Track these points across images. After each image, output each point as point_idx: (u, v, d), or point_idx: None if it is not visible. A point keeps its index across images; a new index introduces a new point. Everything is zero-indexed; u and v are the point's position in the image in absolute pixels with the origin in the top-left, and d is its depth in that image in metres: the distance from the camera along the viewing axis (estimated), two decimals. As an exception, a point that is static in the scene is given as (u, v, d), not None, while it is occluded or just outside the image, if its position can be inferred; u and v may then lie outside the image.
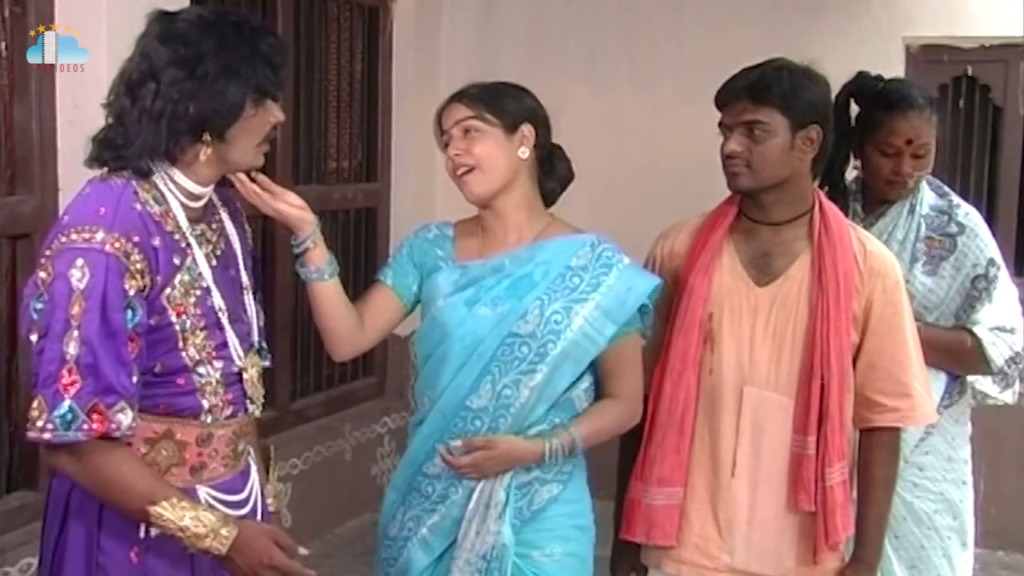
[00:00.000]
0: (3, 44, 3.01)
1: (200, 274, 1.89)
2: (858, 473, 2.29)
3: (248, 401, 1.98)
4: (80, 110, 2.97)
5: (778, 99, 2.17)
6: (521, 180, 2.23)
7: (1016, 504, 4.39)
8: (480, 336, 2.17)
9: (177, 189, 1.87)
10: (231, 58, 1.81)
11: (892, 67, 3.96)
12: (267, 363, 2.05)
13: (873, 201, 2.73)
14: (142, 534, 1.84)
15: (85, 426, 1.71)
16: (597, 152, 4.60)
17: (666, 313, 2.31)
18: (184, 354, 1.85)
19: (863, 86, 2.73)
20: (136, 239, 1.77)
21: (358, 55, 4.70)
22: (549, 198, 2.30)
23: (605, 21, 4.83)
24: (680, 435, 2.25)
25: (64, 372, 1.70)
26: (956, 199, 2.75)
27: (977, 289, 2.64)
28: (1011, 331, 2.64)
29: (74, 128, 2.99)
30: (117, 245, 1.74)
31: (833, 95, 2.37)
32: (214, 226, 1.97)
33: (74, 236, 1.74)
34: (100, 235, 1.74)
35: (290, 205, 2.07)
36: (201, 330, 1.87)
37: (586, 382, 2.23)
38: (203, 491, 1.90)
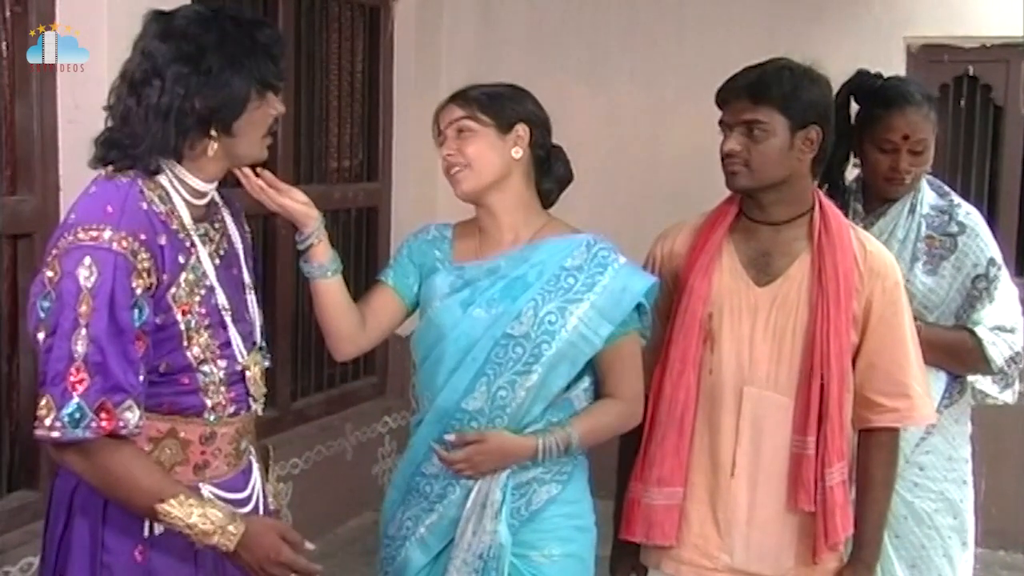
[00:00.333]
0: (3, 44, 3.01)
1: (204, 273, 1.89)
2: (857, 473, 2.29)
3: (251, 399, 1.99)
4: (81, 110, 2.97)
5: (778, 99, 2.17)
6: (515, 180, 2.23)
7: (1017, 504, 4.39)
8: (474, 338, 2.17)
9: (182, 187, 1.88)
10: (233, 51, 1.82)
11: (893, 67, 3.95)
12: (267, 363, 2.06)
13: (874, 200, 2.73)
14: (146, 532, 1.84)
15: (93, 424, 1.71)
16: (597, 152, 4.61)
17: (666, 313, 2.31)
18: (188, 353, 1.85)
19: (862, 84, 2.73)
20: (143, 238, 1.77)
21: (359, 54, 4.70)
22: (547, 199, 2.30)
23: (605, 21, 4.83)
24: (680, 435, 2.25)
25: (72, 370, 1.71)
26: (957, 199, 2.75)
27: (977, 289, 2.64)
28: (1011, 331, 2.64)
29: (75, 128, 3.00)
30: (124, 244, 1.75)
31: (834, 94, 2.37)
32: (217, 225, 1.98)
33: (81, 235, 1.74)
34: (108, 233, 1.74)
35: (295, 201, 2.09)
36: (205, 329, 1.88)
37: (585, 382, 2.23)
38: (206, 489, 1.90)
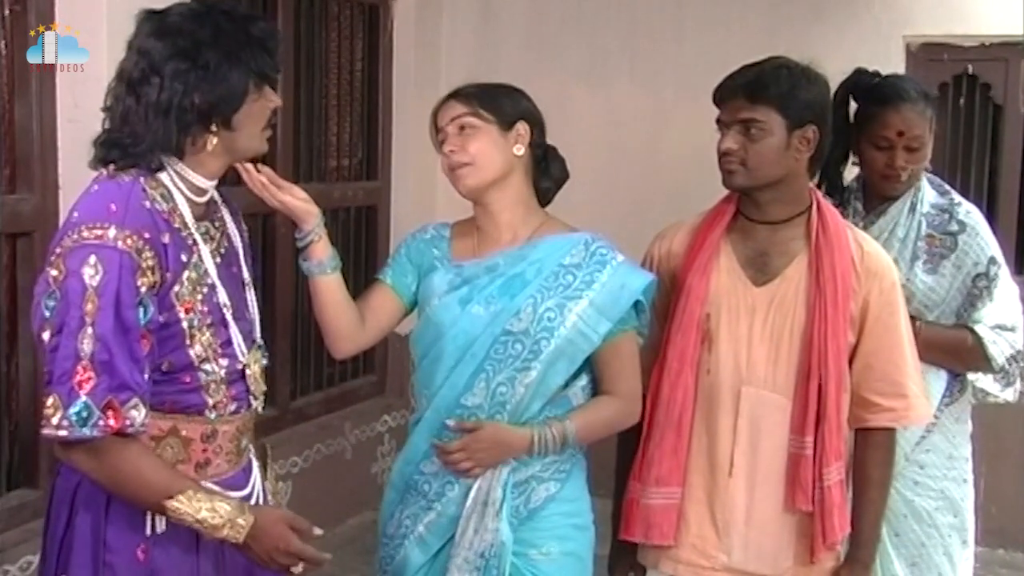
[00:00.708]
0: (3, 43, 3.01)
1: (206, 271, 1.90)
2: (854, 473, 2.29)
3: (251, 397, 1.99)
4: (80, 109, 2.97)
5: (775, 98, 2.17)
6: (515, 178, 2.23)
7: (1016, 502, 4.39)
8: (473, 335, 2.18)
9: (184, 185, 1.88)
10: (229, 45, 1.83)
11: (892, 65, 3.95)
12: (265, 361, 2.06)
13: (874, 199, 2.73)
14: (148, 531, 1.85)
15: (101, 423, 1.72)
16: (597, 152, 4.61)
17: (664, 313, 2.31)
18: (191, 351, 1.86)
19: (860, 83, 2.73)
20: (147, 236, 1.78)
21: (358, 53, 4.70)
22: (544, 197, 2.31)
23: (605, 21, 4.82)
24: (678, 435, 2.25)
25: (79, 369, 1.71)
26: (957, 197, 2.74)
27: (978, 287, 2.64)
28: (1012, 329, 2.64)
29: (74, 127, 3.00)
30: (129, 242, 1.75)
31: (833, 93, 2.37)
32: (217, 224, 1.98)
33: (86, 233, 1.75)
34: (112, 232, 1.74)
35: (295, 198, 2.10)
36: (207, 327, 1.88)
37: (583, 380, 2.24)
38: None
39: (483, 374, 2.17)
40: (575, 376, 2.22)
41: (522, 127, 2.22)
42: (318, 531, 1.91)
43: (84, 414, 1.71)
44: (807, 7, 4.50)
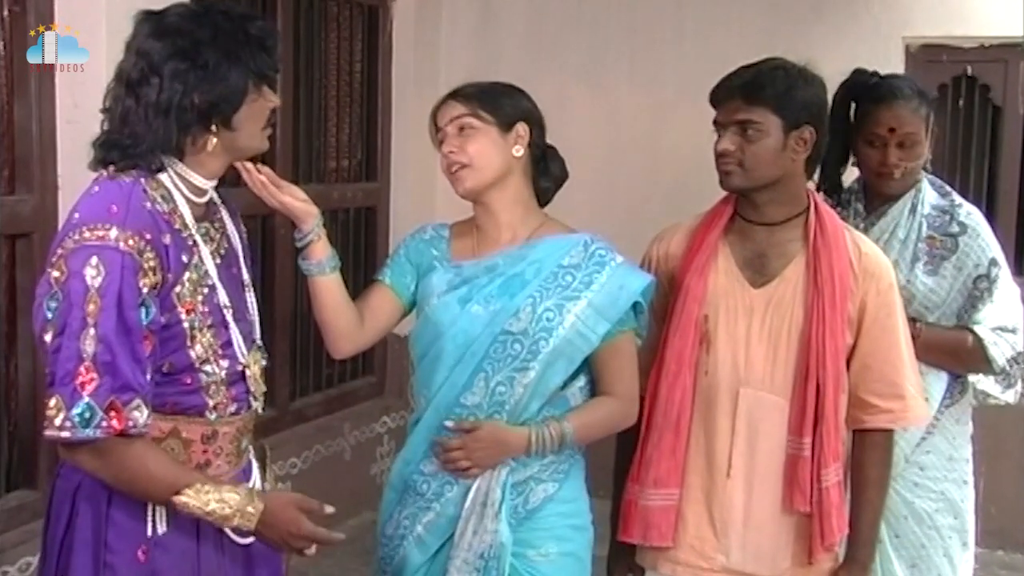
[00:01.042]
0: (2, 44, 3.01)
1: (206, 272, 1.90)
2: (851, 474, 2.29)
3: (251, 398, 1.99)
4: (80, 109, 2.97)
5: (771, 99, 2.17)
6: (514, 178, 2.23)
7: (1016, 504, 4.39)
8: (473, 334, 2.18)
9: (184, 185, 1.88)
10: (228, 44, 1.83)
11: (892, 67, 3.95)
12: (264, 362, 2.06)
13: (875, 200, 2.73)
14: (149, 532, 1.85)
15: (104, 424, 1.72)
16: (597, 152, 4.61)
17: (662, 314, 2.32)
18: (192, 352, 1.86)
19: (858, 83, 2.73)
20: (148, 237, 1.78)
21: (358, 54, 4.70)
22: (543, 197, 2.31)
23: (605, 21, 4.82)
24: (676, 436, 2.25)
25: (81, 370, 1.71)
26: (958, 198, 2.73)
27: (979, 289, 2.63)
28: (1013, 331, 2.63)
29: (74, 127, 3.00)
30: (131, 243, 1.75)
31: (832, 94, 2.36)
32: (216, 224, 1.99)
33: (87, 234, 1.75)
34: (114, 233, 1.74)
35: (295, 198, 2.10)
36: (208, 328, 1.88)
37: (582, 380, 2.24)
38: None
39: (482, 373, 2.17)
40: (574, 376, 2.22)
41: (521, 128, 2.22)
42: (329, 509, 1.92)
43: (87, 415, 1.71)
44: (807, 8, 4.50)
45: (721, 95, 2.24)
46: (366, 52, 4.73)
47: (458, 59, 4.81)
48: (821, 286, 2.19)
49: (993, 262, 2.64)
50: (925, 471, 2.66)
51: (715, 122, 2.25)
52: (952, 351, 2.62)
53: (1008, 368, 2.63)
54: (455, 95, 2.24)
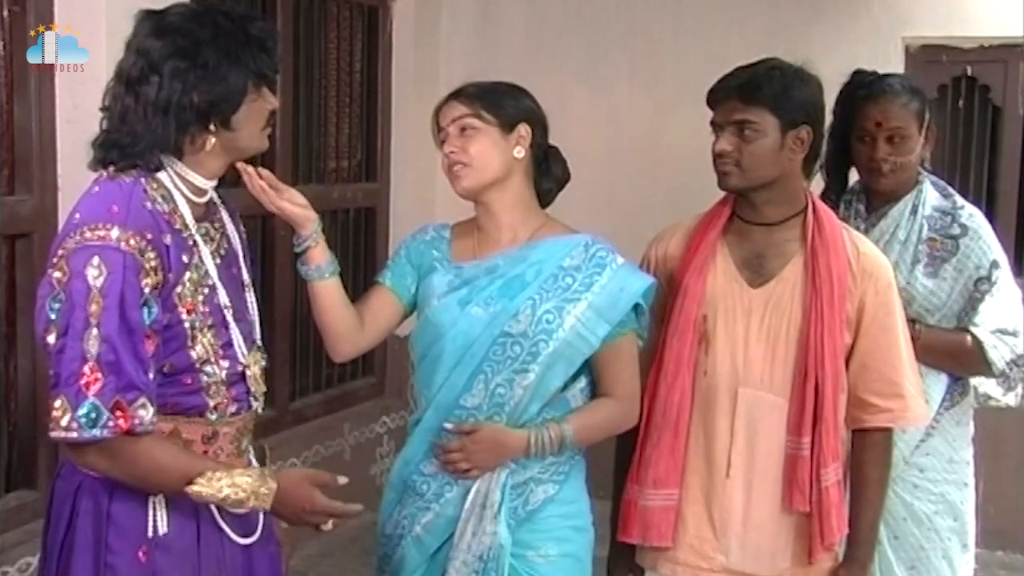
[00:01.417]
0: (2, 44, 3.01)
1: (207, 272, 1.90)
2: (851, 473, 2.30)
3: (252, 398, 1.99)
4: (80, 109, 2.97)
5: (768, 99, 2.17)
6: (515, 179, 2.23)
7: (1016, 504, 4.39)
8: (472, 336, 2.18)
9: (184, 185, 1.88)
10: (228, 44, 1.83)
11: (891, 67, 3.95)
12: (264, 362, 2.06)
13: (876, 201, 2.73)
14: (150, 532, 1.85)
15: (111, 423, 1.72)
16: (596, 152, 4.61)
17: (660, 315, 2.32)
18: (192, 352, 1.86)
19: (858, 83, 2.73)
20: (149, 237, 1.78)
21: (358, 54, 4.70)
22: (545, 198, 2.31)
23: (605, 21, 4.83)
24: (675, 437, 2.25)
25: (86, 370, 1.71)
26: (960, 200, 2.72)
27: (980, 291, 2.62)
28: (1013, 334, 2.61)
29: (73, 127, 3.00)
30: (132, 243, 1.75)
31: (834, 95, 2.36)
32: (216, 225, 1.99)
33: (88, 234, 1.75)
34: (115, 233, 1.75)
35: (294, 204, 2.09)
36: (209, 328, 1.89)
37: (582, 382, 2.23)
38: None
39: (482, 375, 2.17)
40: (574, 378, 2.22)
41: (523, 129, 2.21)
42: (342, 480, 1.92)
43: (93, 415, 1.71)
44: (807, 8, 4.50)
45: (718, 96, 2.24)
46: (366, 52, 4.73)
47: (458, 59, 4.81)
48: (819, 286, 2.19)
49: (994, 264, 2.63)
50: (924, 473, 2.65)
51: (712, 123, 2.25)
52: (951, 353, 2.61)
53: (1008, 371, 2.62)
54: (458, 95, 2.24)
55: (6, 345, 3.11)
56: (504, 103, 2.21)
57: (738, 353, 2.24)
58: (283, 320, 4.24)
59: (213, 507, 1.90)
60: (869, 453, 2.28)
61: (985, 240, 2.65)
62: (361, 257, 4.71)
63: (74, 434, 1.72)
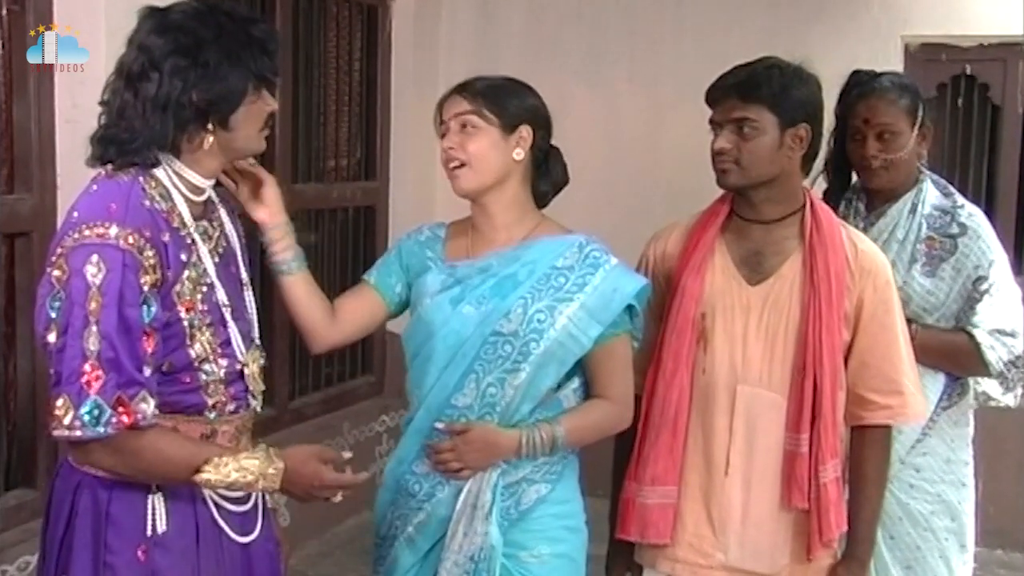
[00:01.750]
0: (2, 44, 3.01)
1: (205, 270, 1.90)
2: (850, 470, 2.30)
3: (250, 397, 2.00)
4: (79, 109, 2.97)
5: (767, 97, 2.18)
6: (513, 180, 2.22)
7: (1015, 503, 4.39)
8: (464, 335, 2.17)
9: (182, 183, 1.88)
10: (230, 45, 1.83)
11: (891, 66, 3.94)
12: (263, 361, 2.06)
13: (875, 200, 2.72)
14: (149, 531, 1.85)
15: (114, 420, 1.72)
16: (596, 152, 4.61)
17: (659, 313, 2.32)
18: (191, 351, 1.86)
19: (853, 83, 2.73)
20: (147, 235, 1.78)
21: (357, 53, 4.71)
22: (542, 200, 2.29)
23: (605, 21, 4.83)
24: (673, 434, 2.25)
25: (87, 368, 1.71)
26: (960, 199, 2.71)
27: (978, 291, 2.60)
28: (1012, 334, 2.60)
29: (73, 127, 3.00)
30: (131, 240, 1.75)
31: (834, 95, 2.36)
32: (215, 223, 1.99)
33: (87, 232, 1.75)
34: (114, 231, 1.75)
35: (268, 218, 2.11)
36: (207, 327, 1.89)
37: (575, 382, 2.22)
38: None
39: (473, 375, 2.16)
40: (567, 378, 2.21)
41: (525, 130, 2.20)
42: (347, 454, 1.96)
43: (96, 413, 1.71)
44: (806, 8, 4.51)
45: (717, 94, 2.25)
46: (365, 52, 4.74)
47: (458, 58, 4.81)
48: (817, 283, 2.19)
49: (993, 264, 2.61)
50: (921, 473, 2.64)
51: (711, 121, 2.25)
52: (947, 354, 2.60)
53: (1006, 372, 2.61)
54: (463, 89, 2.22)
55: (5, 344, 3.12)
56: (508, 103, 2.20)
57: (737, 351, 2.24)
58: (282, 319, 4.22)
59: (212, 506, 1.90)
60: (868, 450, 2.28)
61: (984, 240, 2.63)
62: (360, 256, 4.71)
63: (78, 432, 1.72)
